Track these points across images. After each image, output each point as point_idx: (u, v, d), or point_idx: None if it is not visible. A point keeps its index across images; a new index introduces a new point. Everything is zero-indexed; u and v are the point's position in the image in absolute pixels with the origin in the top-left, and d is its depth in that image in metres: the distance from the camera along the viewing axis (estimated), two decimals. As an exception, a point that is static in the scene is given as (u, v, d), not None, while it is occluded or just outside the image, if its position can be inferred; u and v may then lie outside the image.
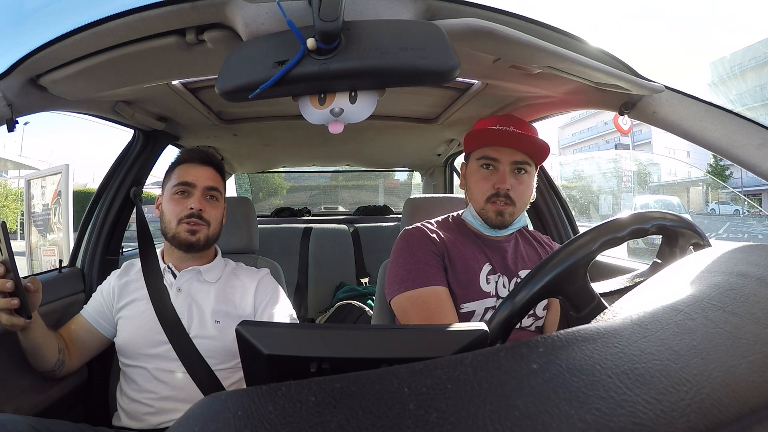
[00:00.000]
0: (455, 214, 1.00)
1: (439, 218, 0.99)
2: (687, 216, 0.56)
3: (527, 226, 1.03)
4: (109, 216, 1.29)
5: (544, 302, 0.92)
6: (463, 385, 0.21)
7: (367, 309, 1.75)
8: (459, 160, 2.22)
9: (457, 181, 2.29)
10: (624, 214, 0.52)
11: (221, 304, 0.94)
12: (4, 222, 0.68)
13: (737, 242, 0.44)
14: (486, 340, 0.34)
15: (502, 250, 0.92)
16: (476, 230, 0.94)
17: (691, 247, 0.54)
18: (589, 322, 0.28)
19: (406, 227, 0.95)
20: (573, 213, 1.50)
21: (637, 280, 0.56)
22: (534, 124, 1.26)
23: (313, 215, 2.81)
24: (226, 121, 1.43)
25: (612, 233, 0.49)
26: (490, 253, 0.91)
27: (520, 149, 0.87)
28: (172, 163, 0.99)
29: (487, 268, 0.88)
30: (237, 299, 0.96)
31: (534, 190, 0.93)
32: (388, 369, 0.23)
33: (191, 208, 0.91)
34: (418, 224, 0.95)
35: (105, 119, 1.15)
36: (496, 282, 0.88)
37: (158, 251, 0.98)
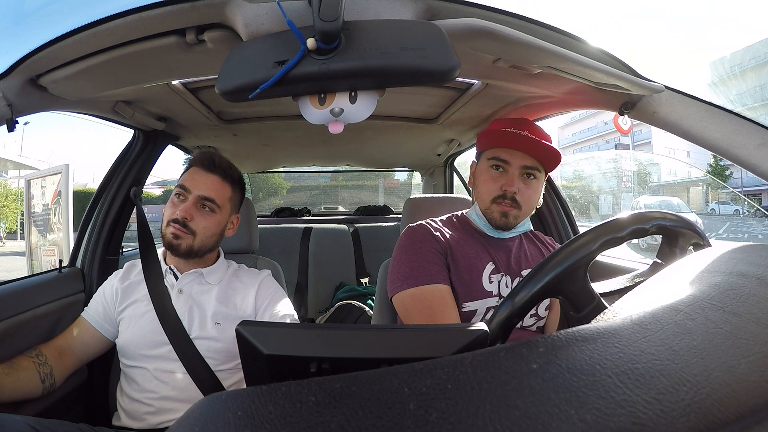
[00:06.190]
0: (460, 213, 1.00)
1: (444, 216, 0.99)
2: (692, 215, 0.56)
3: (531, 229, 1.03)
4: (109, 216, 1.29)
5: (547, 302, 0.92)
6: (463, 385, 0.21)
7: (367, 309, 1.75)
8: (459, 160, 2.23)
9: (457, 181, 2.29)
10: (624, 214, 0.52)
11: (222, 306, 0.94)
12: None
13: (737, 242, 0.44)
14: (486, 340, 0.34)
15: (506, 249, 0.92)
16: (480, 230, 0.94)
17: (691, 247, 0.54)
18: (589, 322, 0.28)
19: (410, 224, 0.95)
20: (573, 213, 1.50)
21: (637, 280, 0.56)
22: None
23: (313, 215, 2.81)
24: (226, 121, 1.43)
25: (612, 233, 0.49)
26: (493, 251, 0.90)
27: (532, 154, 0.87)
28: (188, 163, 0.99)
29: (490, 267, 0.88)
30: (238, 301, 0.96)
31: (541, 196, 0.93)
32: (388, 369, 0.23)
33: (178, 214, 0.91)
34: (422, 222, 0.95)
35: (105, 119, 1.15)
36: (499, 281, 0.87)
37: (159, 252, 0.98)
